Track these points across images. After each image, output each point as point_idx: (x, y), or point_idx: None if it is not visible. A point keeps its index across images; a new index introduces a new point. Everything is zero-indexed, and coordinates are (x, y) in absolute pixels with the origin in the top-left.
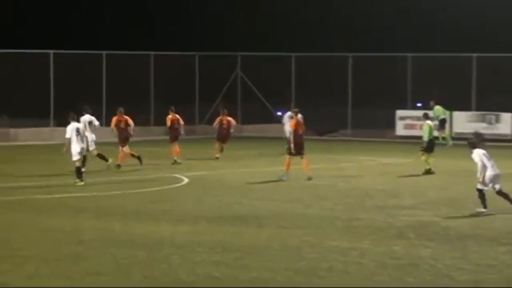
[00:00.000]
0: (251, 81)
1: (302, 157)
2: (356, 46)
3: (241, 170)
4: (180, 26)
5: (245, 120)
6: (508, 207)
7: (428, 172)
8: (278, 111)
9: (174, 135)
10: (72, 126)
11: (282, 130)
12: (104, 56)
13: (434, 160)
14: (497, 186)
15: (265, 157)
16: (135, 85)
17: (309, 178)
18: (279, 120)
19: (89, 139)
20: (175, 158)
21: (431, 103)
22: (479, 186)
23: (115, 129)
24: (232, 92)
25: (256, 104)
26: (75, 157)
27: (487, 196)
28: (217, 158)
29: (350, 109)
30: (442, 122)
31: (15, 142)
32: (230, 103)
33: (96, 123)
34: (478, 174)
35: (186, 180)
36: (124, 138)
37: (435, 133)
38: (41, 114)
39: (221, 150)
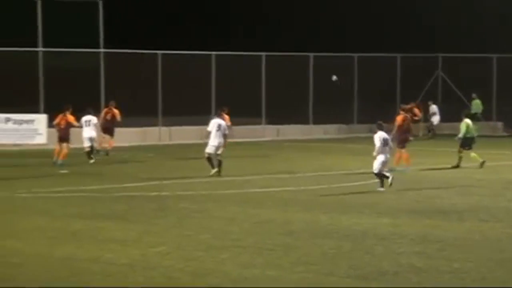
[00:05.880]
0: (452, 81)
1: (400, 151)
2: None
3: (441, 166)
4: (380, 26)
5: (446, 119)
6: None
7: (457, 166)
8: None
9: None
10: (215, 122)
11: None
12: (311, 57)
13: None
14: (377, 169)
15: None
16: (340, 86)
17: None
18: (478, 119)
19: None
20: (106, 149)
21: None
22: (376, 171)
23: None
24: (432, 93)
25: (457, 104)
26: None
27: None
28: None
29: None
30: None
31: (232, 139)
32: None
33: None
34: (376, 160)
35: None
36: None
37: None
38: (252, 113)
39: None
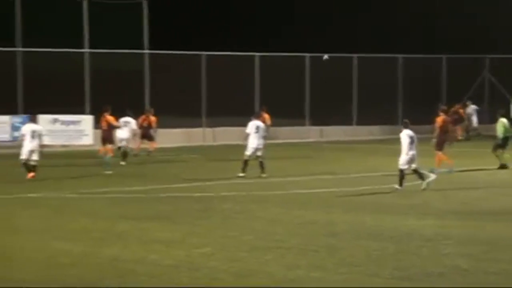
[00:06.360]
0: (499, 82)
1: (438, 153)
2: None
3: (486, 167)
4: (426, 27)
5: (493, 120)
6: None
7: (504, 167)
8: None
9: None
10: (253, 124)
11: None
12: (355, 58)
13: None
14: (414, 165)
15: None
16: (384, 87)
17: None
18: None
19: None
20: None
21: None
22: (402, 167)
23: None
24: (478, 94)
25: (503, 105)
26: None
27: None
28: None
29: None
30: None
31: (275, 140)
32: (476, 104)
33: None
34: (403, 154)
35: (433, 176)
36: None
37: None
38: (296, 114)
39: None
